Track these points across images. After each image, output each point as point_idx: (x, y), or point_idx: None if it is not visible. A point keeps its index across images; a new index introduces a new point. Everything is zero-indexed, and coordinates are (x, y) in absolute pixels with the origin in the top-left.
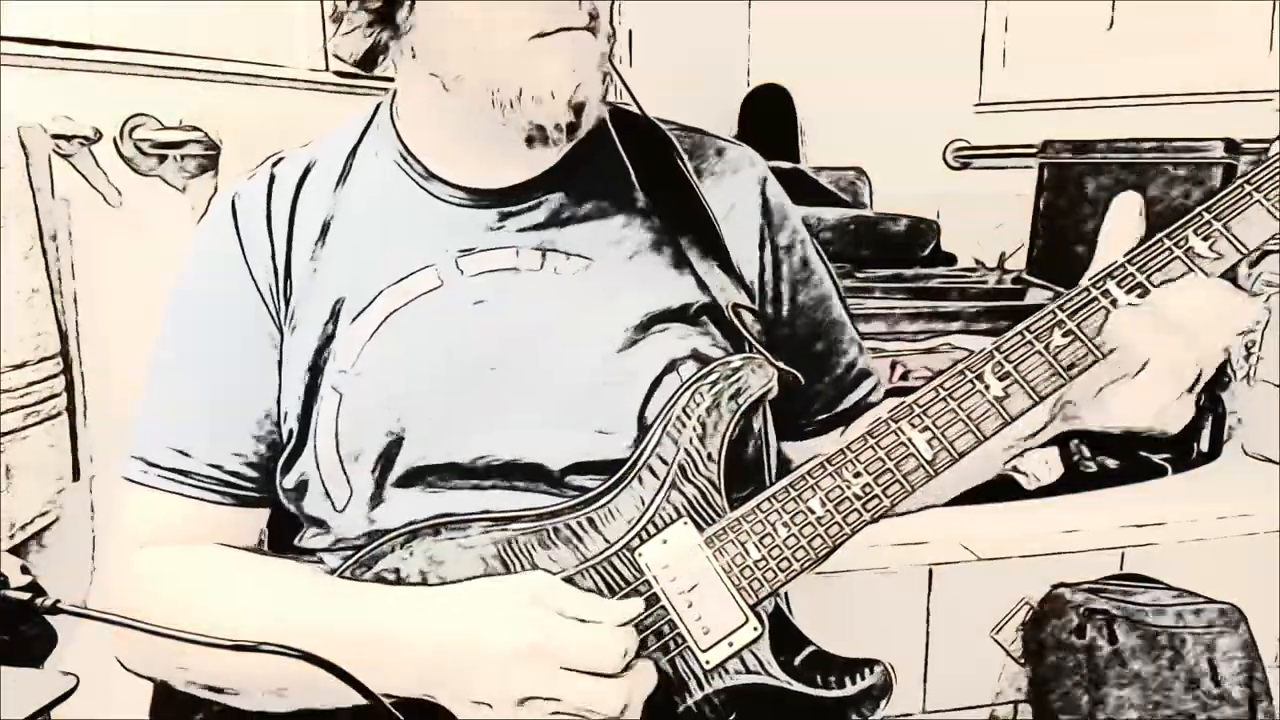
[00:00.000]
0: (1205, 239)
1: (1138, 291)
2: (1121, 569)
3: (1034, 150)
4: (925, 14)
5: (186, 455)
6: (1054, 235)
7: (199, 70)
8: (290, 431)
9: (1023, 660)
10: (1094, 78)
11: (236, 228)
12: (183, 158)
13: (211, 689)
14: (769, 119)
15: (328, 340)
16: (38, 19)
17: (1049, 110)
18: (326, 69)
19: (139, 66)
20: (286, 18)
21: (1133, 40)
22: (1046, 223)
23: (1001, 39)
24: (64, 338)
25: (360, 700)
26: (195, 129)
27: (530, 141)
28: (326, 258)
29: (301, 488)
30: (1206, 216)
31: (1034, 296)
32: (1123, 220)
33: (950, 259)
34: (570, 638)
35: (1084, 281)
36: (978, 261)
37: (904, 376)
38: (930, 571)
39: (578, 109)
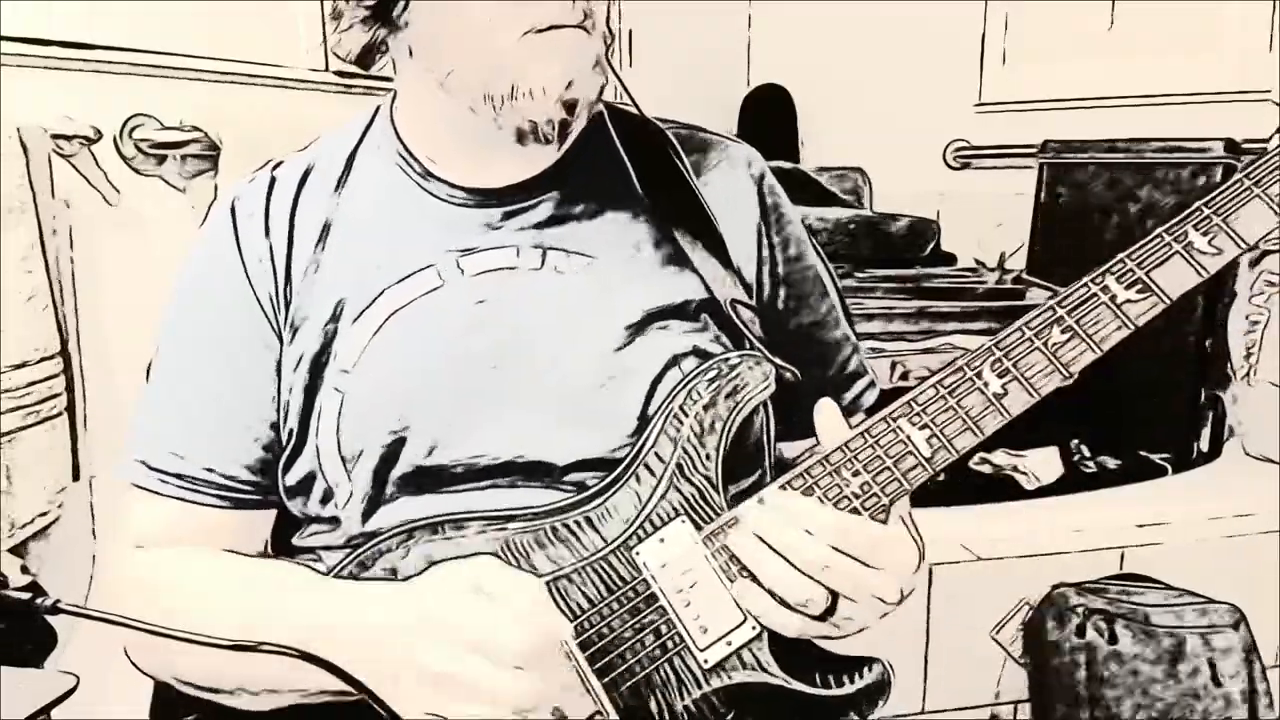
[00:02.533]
0: (1205, 234)
1: (1137, 287)
2: (1121, 569)
3: (1034, 150)
4: (925, 14)
5: (183, 459)
6: (1054, 235)
7: (199, 70)
8: (290, 432)
9: (1023, 660)
10: (1094, 78)
11: (235, 233)
12: (183, 158)
13: (208, 689)
14: (769, 119)
15: (329, 341)
16: (38, 19)
17: (1049, 110)
18: (326, 69)
19: (139, 66)
20: (286, 17)
21: (1133, 40)
22: (1046, 223)
23: (1001, 39)
24: (64, 338)
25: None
26: (195, 129)
27: (522, 138)
28: (327, 259)
29: (302, 486)
30: (1206, 211)
31: (1034, 296)
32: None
33: (950, 259)
34: (478, 618)
35: (1084, 278)
36: (978, 261)
37: (904, 376)
38: (930, 571)
39: (569, 106)
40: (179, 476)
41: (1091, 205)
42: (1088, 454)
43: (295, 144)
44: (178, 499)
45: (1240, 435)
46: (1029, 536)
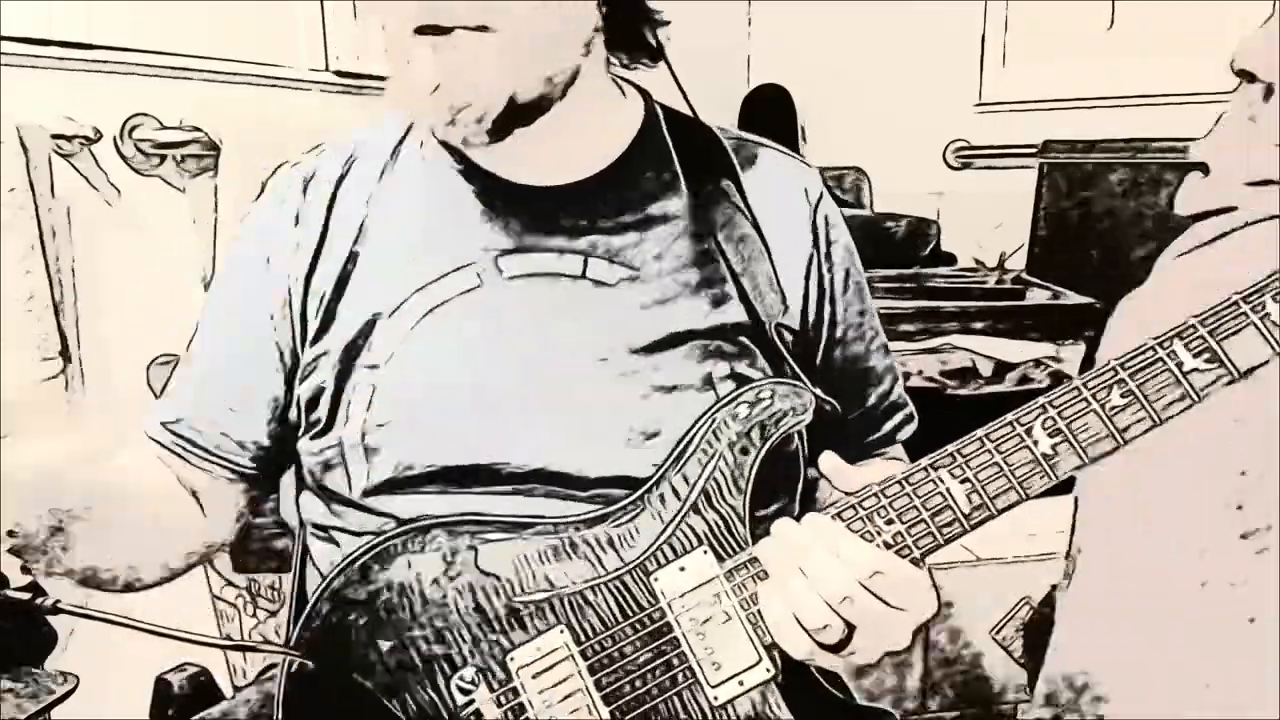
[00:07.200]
0: None
1: (1205, 356)
2: None
3: (1034, 150)
4: (925, 14)
5: (182, 420)
6: (1054, 235)
7: (199, 70)
8: (318, 420)
9: (1023, 660)
10: (1094, 78)
11: (276, 218)
12: (183, 158)
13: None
14: (769, 119)
15: (365, 332)
16: (38, 19)
17: (1049, 110)
18: (326, 69)
19: (139, 66)
20: (287, 18)
21: (1133, 40)
22: (1046, 223)
23: (1001, 39)
24: (64, 338)
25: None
26: (195, 129)
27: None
28: (365, 251)
29: (326, 464)
30: None
31: (1034, 296)
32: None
33: (950, 259)
34: None
35: (1149, 339)
36: (978, 261)
37: (904, 377)
38: (930, 571)
39: (462, 113)
40: (175, 433)
41: (1092, 205)
42: None
43: (295, 144)
44: (180, 457)
45: None
46: (1029, 536)
